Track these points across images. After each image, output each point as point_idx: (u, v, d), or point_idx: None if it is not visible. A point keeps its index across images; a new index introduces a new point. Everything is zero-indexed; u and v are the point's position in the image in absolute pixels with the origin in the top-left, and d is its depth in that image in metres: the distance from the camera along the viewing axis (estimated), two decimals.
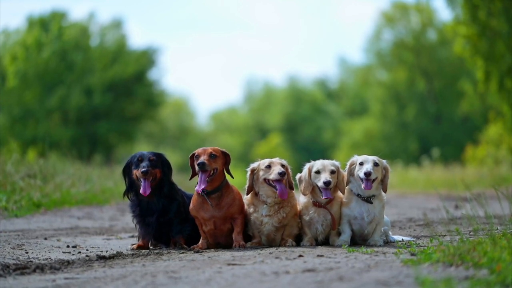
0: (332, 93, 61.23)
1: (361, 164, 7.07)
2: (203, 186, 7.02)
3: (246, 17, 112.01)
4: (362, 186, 7.02)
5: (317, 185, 7.10)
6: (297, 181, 7.23)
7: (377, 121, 46.25)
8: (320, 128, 57.27)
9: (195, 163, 7.09)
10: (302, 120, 59.24)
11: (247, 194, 7.27)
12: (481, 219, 7.78)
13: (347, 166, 7.20)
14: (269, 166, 7.10)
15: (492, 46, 22.45)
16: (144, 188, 7.20)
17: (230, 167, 7.33)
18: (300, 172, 7.27)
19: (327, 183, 6.97)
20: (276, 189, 7.04)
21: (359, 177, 7.05)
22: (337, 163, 7.21)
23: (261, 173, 7.13)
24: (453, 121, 42.96)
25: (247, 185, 7.23)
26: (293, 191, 7.28)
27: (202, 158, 7.05)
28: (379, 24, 45.77)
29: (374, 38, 46.52)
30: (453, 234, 7.04)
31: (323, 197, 7.03)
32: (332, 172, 7.07)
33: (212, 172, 7.07)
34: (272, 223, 7.15)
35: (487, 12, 22.48)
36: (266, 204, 7.14)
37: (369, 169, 6.98)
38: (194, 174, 7.27)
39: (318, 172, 7.09)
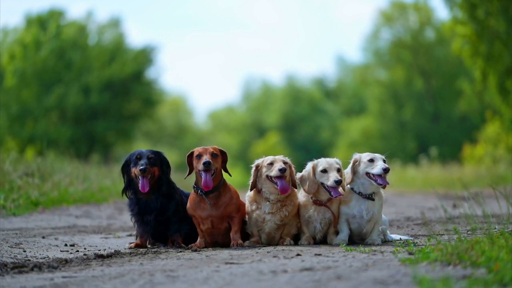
0: (330, 92, 61.27)
1: (371, 161, 7.06)
2: (210, 185, 7.01)
3: (245, 16, 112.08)
4: (373, 183, 7.01)
5: (321, 184, 7.09)
6: (299, 180, 7.21)
7: (375, 120, 46.28)
8: (318, 127, 57.29)
9: (198, 163, 7.07)
10: (300, 119, 59.26)
11: (251, 190, 7.27)
12: (479, 218, 7.78)
13: (351, 164, 7.17)
14: (271, 163, 7.12)
15: (490, 45, 22.45)
16: (142, 184, 7.19)
17: (227, 166, 7.34)
18: (300, 171, 7.26)
19: (338, 182, 6.97)
20: (278, 186, 7.05)
21: (369, 174, 7.03)
22: (339, 160, 7.21)
23: (264, 169, 7.14)
24: (451, 120, 42.99)
25: (251, 181, 7.23)
26: (296, 189, 7.28)
27: (206, 157, 7.04)
28: (378, 23, 45.81)
29: (372, 37, 46.56)
30: (451, 233, 7.04)
31: (334, 196, 7.02)
32: (338, 170, 7.07)
33: (213, 171, 7.07)
34: (274, 220, 7.16)
35: (485, 11, 22.48)
36: (269, 201, 7.15)
37: (387, 165, 6.99)
38: (190, 172, 7.27)
39: (324, 171, 7.08)
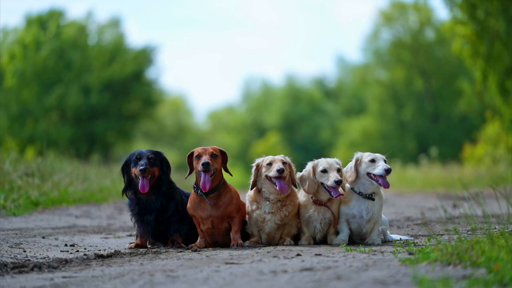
0: (330, 92, 61.29)
1: (372, 161, 7.04)
2: (208, 186, 7.02)
3: (244, 15, 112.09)
4: (375, 183, 7.00)
5: (322, 184, 7.09)
6: (298, 180, 7.21)
7: (375, 120, 46.28)
8: (318, 127, 57.29)
9: (198, 163, 7.07)
10: (300, 119, 59.27)
11: (251, 189, 7.27)
12: (479, 218, 7.78)
13: (353, 163, 7.14)
14: (270, 164, 7.12)
15: (490, 45, 22.45)
16: (142, 185, 7.19)
17: (228, 166, 7.34)
18: (300, 171, 7.25)
19: (338, 182, 6.96)
20: (276, 186, 7.05)
21: (370, 175, 7.02)
22: (339, 160, 7.20)
23: (263, 170, 7.15)
24: (451, 120, 42.99)
25: (251, 180, 7.24)
26: (296, 189, 7.27)
27: (205, 158, 7.04)
28: (378, 23, 45.81)
29: (372, 37, 46.56)
30: (451, 233, 7.04)
31: (334, 196, 7.01)
32: (338, 170, 7.06)
33: (213, 172, 7.07)
34: (275, 220, 7.16)
35: (485, 11, 22.47)
36: (269, 201, 7.15)
37: (389, 166, 6.97)
38: (191, 172, 7.27)
39: (324, 171, 7.06)
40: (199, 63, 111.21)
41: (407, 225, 9.72)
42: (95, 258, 6.57)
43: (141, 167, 7.18)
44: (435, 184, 20.81)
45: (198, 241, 7.31)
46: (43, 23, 37.36)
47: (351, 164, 7.14)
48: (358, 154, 7.19)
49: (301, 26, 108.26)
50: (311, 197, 7.18)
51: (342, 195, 7.07)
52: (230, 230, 7.25)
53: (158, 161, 7.35)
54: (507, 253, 5.18)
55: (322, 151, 49.56)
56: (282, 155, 7.26)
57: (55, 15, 37.68)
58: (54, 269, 5.89)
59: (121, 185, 7.58)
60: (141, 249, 7.33)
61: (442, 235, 7.65)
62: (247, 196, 7.34)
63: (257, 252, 6.56)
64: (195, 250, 7.00)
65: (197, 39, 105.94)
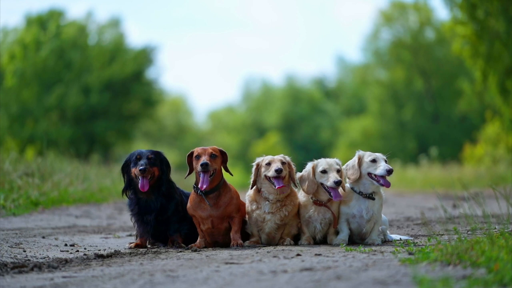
0: (330, 92, 61.31)
1: (373, 161, 7.04)
2: (205, 186, 7.01)
3: (244, 15, 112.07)
4: (375, 183, 6.99)
5: (321, 184, 7.08)
6: (298, 180, 7.20)
7: (375, 120, 46.27)
8: (318, 127, 57.30)
9: (197, 164, 7.07)
10: (300, 119, 59.28)
11: (251, 188, 7.27)
12: (479, 218, 7.78)
13: (356, 161, 7.11)
14: (269, 164, 7.12)
15: (490, 46, 22.44)
16: (142, 184, 7.19)
17: (228, 166, 7.34)
18: (300, 171, 7.25)
19: (338, 183, 6.95)
20: (274, 186, 7.05)
21: (371, 175, 7.02)
22: (339, 161, 7.19)
23: (262, 169, 7.15)
24: (451, 120, 42.99)
25: (251, 179, 7.23)
26: (296, 189, 7.27)
27: (204, 159, 7.04)
28: (378, 23, 45.81)
29: (372, 37, 46.56)
30: (451, 233, 7.04)
31: (334, 199, 7.01)
32: (338, 170, 7.05)
33: (212, 172, 7.07)
34: (274, 220, 7.15)
35: (485, 11, 22.47)
36: (268, 201, 7.15)
37: (390, 166, 6.97)
38: (191, 172, 7.27)
39: (324, 171, 7.05)
40: (199, 63, 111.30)
41: (407, 225, 9.71)
42: (95, 258, 6.57)
43: (141, 167, 7.18)
44: (435, 184, 20.81)
45: (198, 241, 7.31)
46: (43, 23, 37.36)
47: (353, 162, 7.12)
48: (360, 152, 7.18)
49: (301, 26, 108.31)
50: (311, 197, 7.18)
51: (342, 198, 7.06)
52: (230, 230, 7.24)
53: (158, 161, 7.35)
54: (507, 253, 5.18)
55: (322, 151, 49.57)
56: (282, 154, 7.25)
57: (55, 15, 37.69)
58: (54, 269, 5.89)
59: (121, 185, 7.58)
60: (141, 249, 7.33)
61: (442, 235, 7.65)
62: (247, 196, 7.34)
63: (257, 252, 6.56)
64: (195, 250, 7.00)
65: (197, 39, 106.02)
